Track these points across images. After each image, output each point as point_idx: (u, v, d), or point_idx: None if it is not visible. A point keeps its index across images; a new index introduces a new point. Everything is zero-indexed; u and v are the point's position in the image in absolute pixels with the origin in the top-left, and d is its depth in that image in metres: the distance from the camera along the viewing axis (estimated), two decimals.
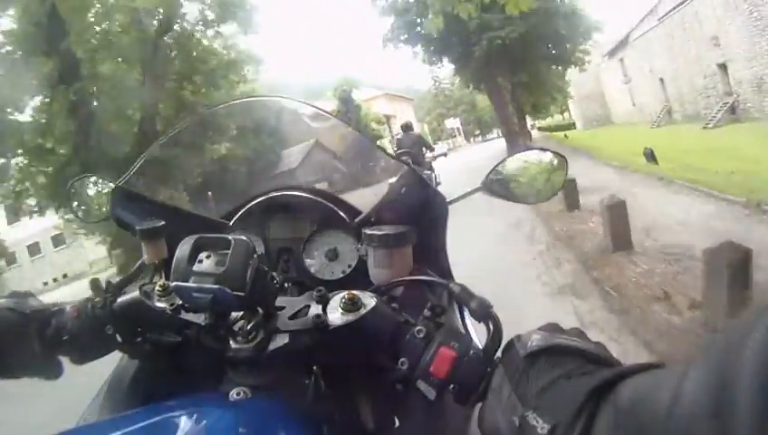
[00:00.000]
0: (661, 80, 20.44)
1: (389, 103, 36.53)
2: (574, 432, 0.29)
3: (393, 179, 0.72)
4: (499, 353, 0.42)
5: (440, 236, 0.72)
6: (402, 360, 0.44)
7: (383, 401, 0.62)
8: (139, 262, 0.69)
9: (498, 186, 0.75)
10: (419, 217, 0.68)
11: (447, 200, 0.72)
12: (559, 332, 0.40)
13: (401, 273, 0.60)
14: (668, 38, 18.34)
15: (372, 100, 33.84)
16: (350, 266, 0.76)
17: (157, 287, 0.54)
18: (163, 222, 0.68)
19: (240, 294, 0.44)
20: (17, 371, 0.53)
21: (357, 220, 0.75)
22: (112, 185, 0.76)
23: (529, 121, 31.50)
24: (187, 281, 0.45)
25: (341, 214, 0.80)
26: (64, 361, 0.56)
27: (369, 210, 0.75)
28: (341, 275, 0.76)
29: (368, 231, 0.63)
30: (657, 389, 0.24)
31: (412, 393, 0.45)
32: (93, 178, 0.85)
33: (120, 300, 0.55)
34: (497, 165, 0.76)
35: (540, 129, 33.56)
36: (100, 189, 0.83)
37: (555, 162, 0.77)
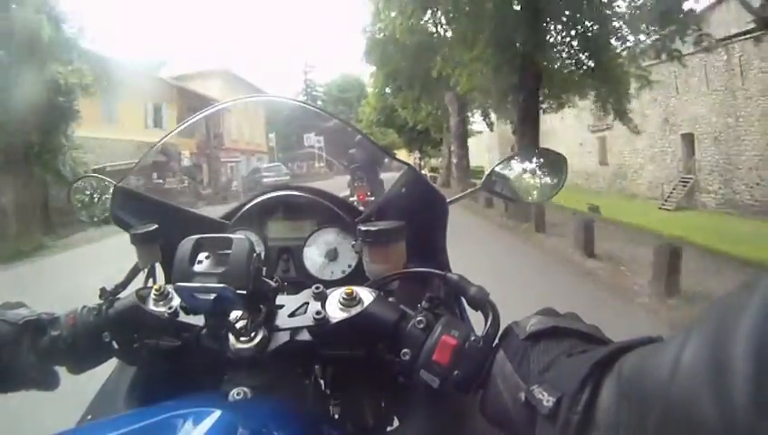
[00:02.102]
0: (687, 136, 12.06)
1: (232, 90, 23.14)
2: (580, 402, 0.30)
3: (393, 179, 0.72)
4: (497, 340, 0.42)
5: (440, 236, 0.73)
6: (404, 351, 0.44)
7: (383, 400, 0.62)
8: (133, 266, 0.69)
9: (498, 185, 0.76)
10: (419, 216, 0.68)
11: (447, 200, 0.72)
12: (555, 315, 0.41)
13: (396, 267, 0.60)
14: (729, 72, 9.92)
15: (197, 78, 21.40)
16: (349, 266, 0.76)
17: (153, 291, 0.53)
18: (156, 226, 0.68)
19: (243, 292, 0.44)
20: (13, 384, 0.52)
21: (357, 220, 0.75)
22: (113, 185, 0.76)
23: (413, 158, 21.72)
24: (188, 282, 0.45)
25: (341, 214, 0.80)
26: (61, 370, 0.55)
27: (369, 210, 0.76)
28: (341, 276, 0.76)
29: (362, 227, 0.63)
30: (658, 358, 0.25)
31: (413, 388, 0.45)
32: (94, 178, 0.85)
33: (116, 306, 0.55)
34: (497, 165, 0.76)
35: (433, 170, 24.40)
36: (100, 189, 0.83)
37: (555, 162, 0.77)
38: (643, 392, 0.26)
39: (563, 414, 0.30)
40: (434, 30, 10.80)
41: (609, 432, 0.28)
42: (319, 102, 40.37)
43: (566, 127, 16.21)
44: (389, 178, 0.76)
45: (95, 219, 0.82)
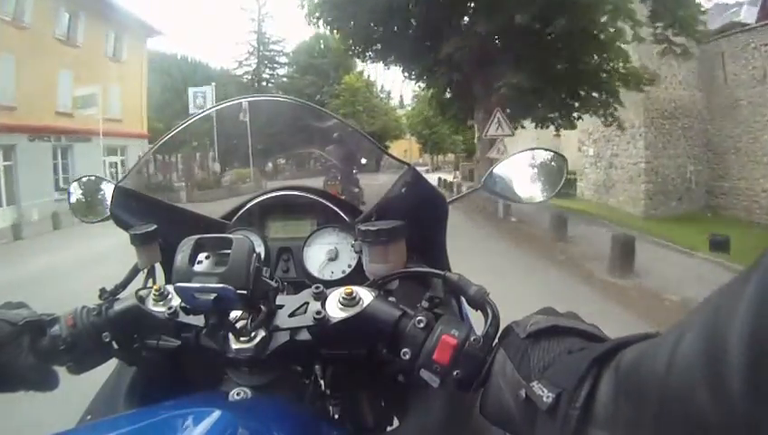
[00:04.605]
0: None
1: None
2: (579, 398, 0.30)
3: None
4: (497, 339, 0.42)
5: (440, 236, 0.73)
6: (404, 350, 0.44)
7: (383, 399, 0.62)
8: (132, 267, 0.69)
9: (498, 186, 0.76)
10: (419, 215, 0.68)
11: (447, 200, 0.72)
12: (555, 314, 0.41)
13: (396, 267, 0.60)
14: None
15: None
16: (349, 266, 0.76)
17: (153, 292, 0.53)
18: (155, 226, 0.68)
19: (243, 292, 0.44)
20: (12, 384, 0.52)
21: (357, 220, 0.75)
22: (112, 185, 0.76)
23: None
24: (188, 282, 0.45)
25: (341, 214, 0.80)
26: (60, 371, 0.55)
27: (369, 210, 0.76)
28: (341, 276, 0.76)
29: (361, 227, 0.63)
30: (655, 352, 0.25)
31: (413, 387, 0.45)
32: (93, 178, 0.85)
33: (115, 306, 0.55)
34: (497, 165, 0.76)
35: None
36: (100, 189, 0.83)
37: (554, 161, 0.77)
38: (641, 386, 0.26)
39: (563, 409, 0.31)
40: None
41: (609, 426, 0.28)
42: (276, 68, 29.85)
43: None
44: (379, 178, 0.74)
45: (94, 219, 0.82)
